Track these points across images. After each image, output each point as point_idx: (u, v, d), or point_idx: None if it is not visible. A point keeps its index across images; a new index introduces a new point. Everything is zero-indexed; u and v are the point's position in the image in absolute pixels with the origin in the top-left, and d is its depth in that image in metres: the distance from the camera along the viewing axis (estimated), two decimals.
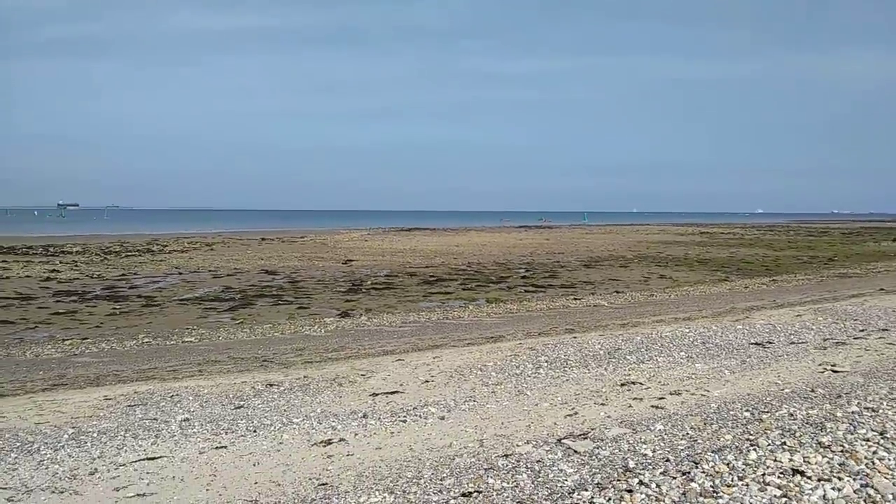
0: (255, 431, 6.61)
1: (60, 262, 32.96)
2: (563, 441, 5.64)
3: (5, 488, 5.30)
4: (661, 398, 7.10)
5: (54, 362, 12.53)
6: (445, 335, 14.31)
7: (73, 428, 6.97)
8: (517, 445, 5.66)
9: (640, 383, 7.89)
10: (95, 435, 6.66)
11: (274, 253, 40.01)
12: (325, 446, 6.03)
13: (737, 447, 4.87)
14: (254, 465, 5.66)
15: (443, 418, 6.80)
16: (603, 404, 7.01)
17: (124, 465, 5.76)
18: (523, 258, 37.25)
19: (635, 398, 7.18)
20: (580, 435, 5.81)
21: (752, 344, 10.08)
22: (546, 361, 9.34)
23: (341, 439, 6.21)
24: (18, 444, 6.47)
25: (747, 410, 6.13)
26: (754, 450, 4.71)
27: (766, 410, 6.05)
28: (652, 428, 5.79)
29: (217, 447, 6.14)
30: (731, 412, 6.15)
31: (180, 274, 28.62)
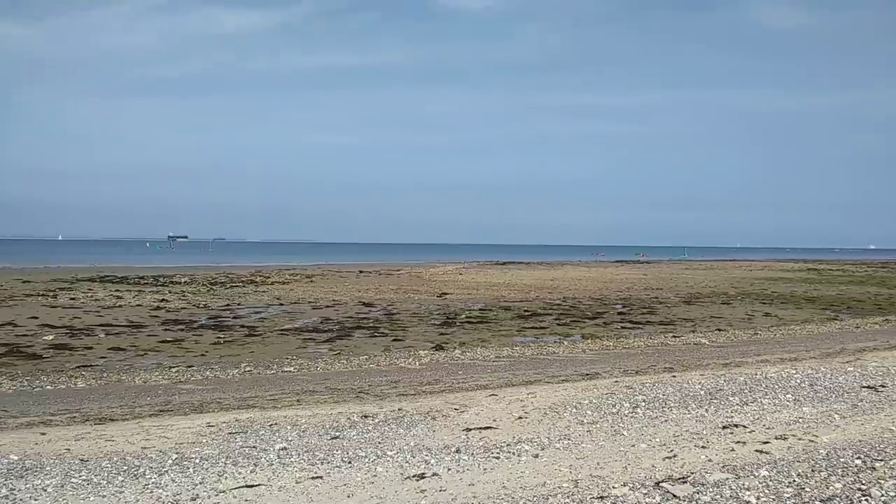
0: (349, 463, 6.68)
1: (169, 292, 34.43)
2: (661, 484, 5.48)
3: None
4: (765, 442, 6.82)
5: (161, 389, 13.03)
6: (540, 371, 14.18)
7: (177, 453, 7.21)
8: (613, 487, 5.53)
9: (744, 426, 7.60)
10: (198, 461, 6.86)
11: (371, 285, 40.68)
12: (417, 480, 6.04)
13: (847, 497, 4.63)
14: (348, 496, 5.71)
15: (537, 456, 6.71)
16: (703, 447, 6.78)
17: (224, 492, 5.90)
18: (620, 294, 36.65)
19: (738, 442, 6.92)
20: (679, 479, 5.63)
21: (863, 387, 9.57)
22: (644, 401, 9.11)
23: (434, 474, 6.20)
24: (125, 467, 6.71)
25: (859, 458, 5.82)
26: (866, 500, 4.46)
27: (879, 458, 5.73)
28: (756, 474, 5.56)
29: (313, 477, 6.23)
30: (842, 459, 5.84)
31: (281, 305, 29.43)
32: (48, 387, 13.36)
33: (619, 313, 27.41)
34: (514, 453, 6.82)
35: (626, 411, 8.58)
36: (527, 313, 26.74)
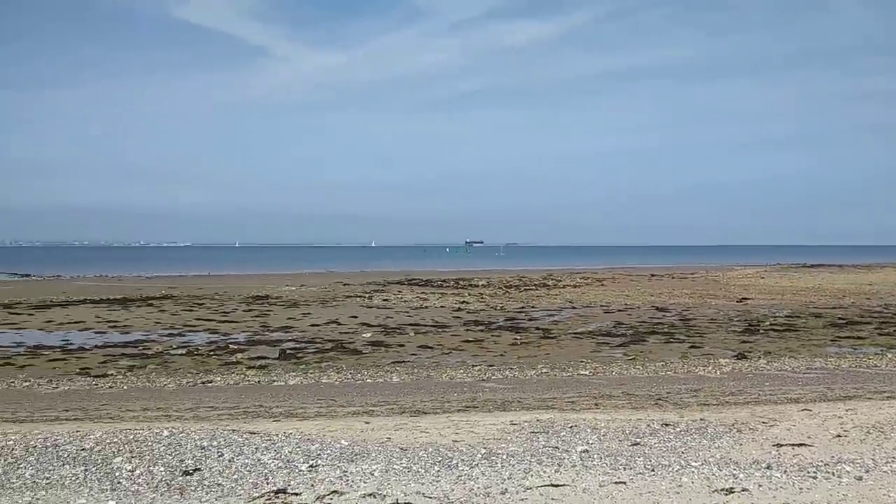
0: (652, 471, 6.62)
1: (469, 295, 36.32)
2: None
3: (431, 497, 5.99)
4: None
5: (466, 386, 13.83)
6: (859, 385, 12.95)
7: (485, 448, 7.61)
8: None
9: None
10: (504, 457, 7.20)
11: (664, 289, 39.67)
12: (726, 494, 5.85)
13: None
14: None
15: (860, 479, 6.17)
16: None
17: (531, 488, 6.15)
18: None
19: None
20: None
21: None
22: None
23: (744, 489, 5.96)
24: (440, 458, 7.22)
25: None
26: None
27: None
28: None
29: (616, 482, 6.28)
30: None
31: (573, 308, 29.77)
32: (368, 380, 14.76)
33: None
34: (833, 474, 6.34)
35: None
36: (841, 321, 24.47)
